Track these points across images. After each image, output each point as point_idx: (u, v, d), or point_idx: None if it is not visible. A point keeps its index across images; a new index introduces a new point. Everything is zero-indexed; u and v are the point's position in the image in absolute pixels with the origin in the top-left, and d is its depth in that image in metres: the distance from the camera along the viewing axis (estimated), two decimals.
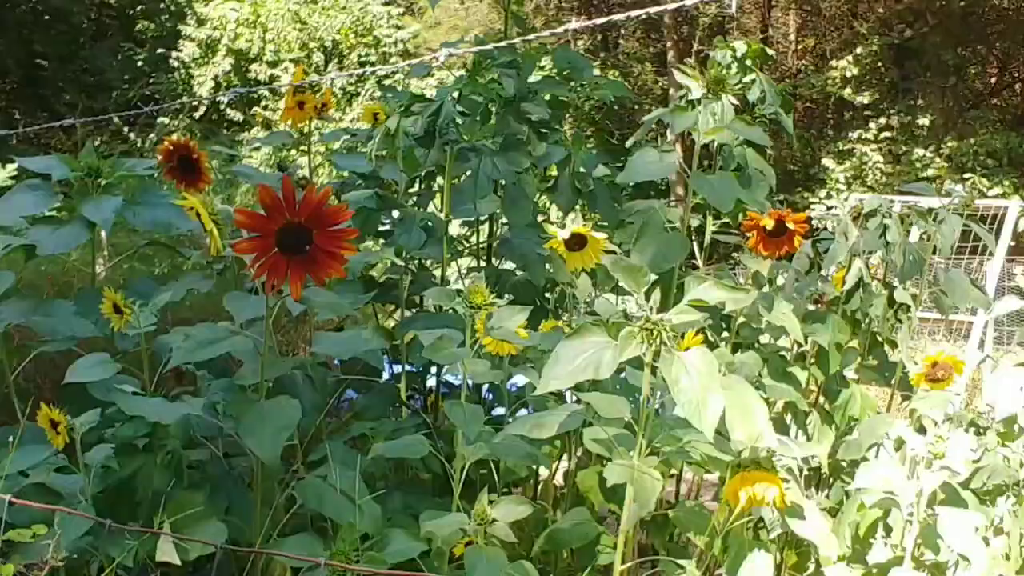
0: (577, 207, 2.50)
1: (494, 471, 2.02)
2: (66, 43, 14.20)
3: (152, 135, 12.81)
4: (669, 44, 15.58)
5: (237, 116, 13.61)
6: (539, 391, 1.37)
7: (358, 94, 14.32)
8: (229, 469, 1.88)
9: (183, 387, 2.26)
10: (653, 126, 2.73)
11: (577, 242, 2.22)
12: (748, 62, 2.84)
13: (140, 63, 14.35)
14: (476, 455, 1.73)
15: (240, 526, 1.70)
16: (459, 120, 2.00)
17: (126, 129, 12.46)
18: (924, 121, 12.78)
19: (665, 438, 1.62)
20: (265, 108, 13.61)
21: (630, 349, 1.35)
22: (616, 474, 1.46)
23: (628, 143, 2.77)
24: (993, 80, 18.53)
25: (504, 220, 2.60)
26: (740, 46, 2.79)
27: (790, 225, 2.05)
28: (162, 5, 14.33)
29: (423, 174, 2.77)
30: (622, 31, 15.88)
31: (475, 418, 1.64)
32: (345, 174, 2.93)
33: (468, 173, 2.33)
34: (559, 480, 2.55)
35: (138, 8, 14.90)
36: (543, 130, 2.21)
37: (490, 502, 1.59)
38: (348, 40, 14.43)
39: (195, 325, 2.30)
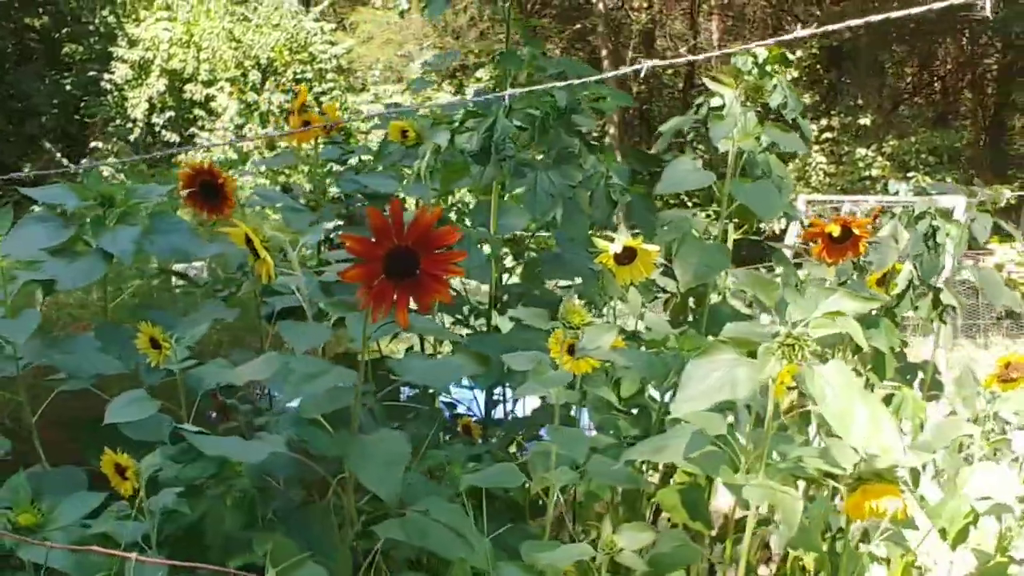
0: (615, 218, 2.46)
1: (563, 496, 1.96)
2: None
3: (85, 160, 12.49)
4: (604, 52, 15.68)
5: (174, 138, 13.34)
6: (674, 415, 1.32)
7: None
8: (304, 507, 1.78)
9: (227, 423, 2.16)
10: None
11: (627, 256, 2.17)
12: (768, 68, 2.83)
13: (68, 87, 13.99)
14: (564, 480, 1.67)
15: (327, 568, 1.60)
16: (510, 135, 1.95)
17: (59, 155, 12.13)
18: (865, 121, 13.05)
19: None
20: (202, 129, 13.37)
21: (770, 366, 1.30)
22: (756, 494, 1.40)
23: (652, 151, 2.73)
24: (913, 79, 19.08)
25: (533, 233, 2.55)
26: (761, 52, 2.77)
27: (855, 231, 2.02)
28: (91, 27, 13.99)
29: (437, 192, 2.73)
30: (555, 39, 15.94)
31: (578, 441, 1.57)
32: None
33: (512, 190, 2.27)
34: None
35: (64, 31, 14.54)
36: (593, 143, 2.16)
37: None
38: (283, 57, 14.26)
39: (219, 355, 2.21)
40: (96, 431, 2.40)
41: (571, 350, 1.82)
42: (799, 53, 14.03)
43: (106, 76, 13.27)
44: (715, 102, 2.70)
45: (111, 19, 13.68)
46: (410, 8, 12.59)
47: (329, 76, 14.37)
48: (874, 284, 2.51)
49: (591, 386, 1.87)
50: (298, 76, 14.37)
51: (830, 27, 1.58)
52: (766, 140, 2.54)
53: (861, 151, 12.90)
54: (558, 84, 1.96)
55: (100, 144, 13.47)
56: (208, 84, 13.34)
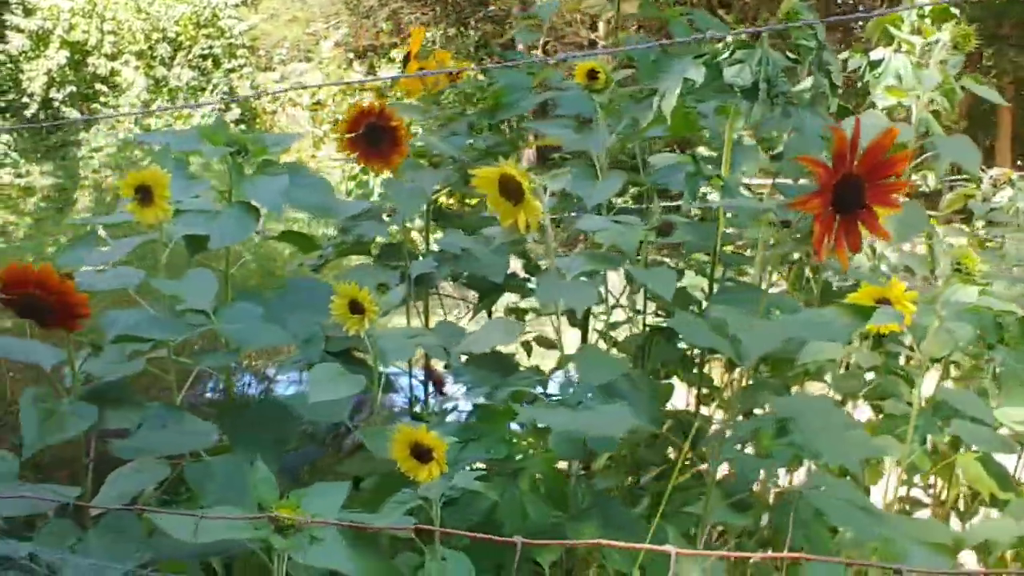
0: None
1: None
2: None
3: None
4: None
5: (73, 113, 12.49)
6: None
7: (203, 88, 13.46)
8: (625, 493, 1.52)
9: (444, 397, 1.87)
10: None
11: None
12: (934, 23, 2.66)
13: None
14: None
15: None
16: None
17: None
18: None
19: None
20: (105, 105, 12.56)
21: None
22: None
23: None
24: None
25: None
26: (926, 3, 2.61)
27: None
28: None
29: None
30: (472, 22, 15.64)
31: None
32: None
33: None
34: None
35: None
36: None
37: None
38: (187, 31, 13.53)
39: None
40: (242, 414, 2.09)
41: None
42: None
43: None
44: (876, 55, 2.53)
45: None
46: None
47: (240, 52, 13.74)
48: None
49: None
50: (204, 51, 13.70)
51: None
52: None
53: None
54: (809, 21, 1.75)
55: None
56: (113, 58, 12.55)
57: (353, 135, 2.05)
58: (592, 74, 2.16)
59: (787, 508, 1.43)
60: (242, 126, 13.59)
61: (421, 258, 2.30)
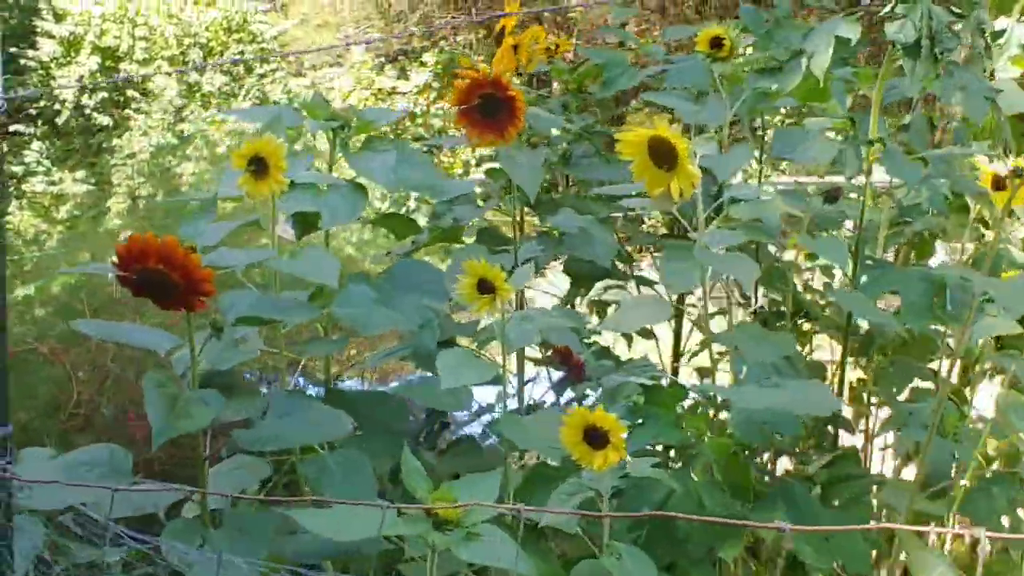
0: None
1: None
2: None
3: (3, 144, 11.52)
4: None
5: (105, 120, 12.40)
6: None
7: (235, 95, 13.37)
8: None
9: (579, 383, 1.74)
10: None
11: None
12: None
13: None
14: None
15: None
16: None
17: None
18: None
19: None
20: (138, 111, 12.50)
21: None
22: None
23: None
24: None
25: None
26: None
27: None
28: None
29: None
30: None
31: None
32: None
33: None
34: None
35: None
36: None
37: None
38: (218, 36, 13.43)
39: None
40: (353, 406, 1.96)
41: None
42: None
43: (30, 53, 12.26)
44: (1000, 25, 2.39)
45: None
46: None
47: (276, 57, 13.63)
48: None
49: None
50: (237, 56, 13.59)
51: None
52: None
53: None
54: None
55: (21, 128, 12.49)
56: (145, 63, 12.46)
57: (465, 107, 1.92)
58: (716, 42, 2.03)
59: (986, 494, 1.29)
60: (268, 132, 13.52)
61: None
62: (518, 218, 2.28)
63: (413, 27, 15.75)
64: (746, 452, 1.44)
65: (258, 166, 1.58)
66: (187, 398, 1.34)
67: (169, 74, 12.49)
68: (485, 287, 1.60)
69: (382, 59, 15.54)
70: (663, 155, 1.49)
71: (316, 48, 14.91)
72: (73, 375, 3.40)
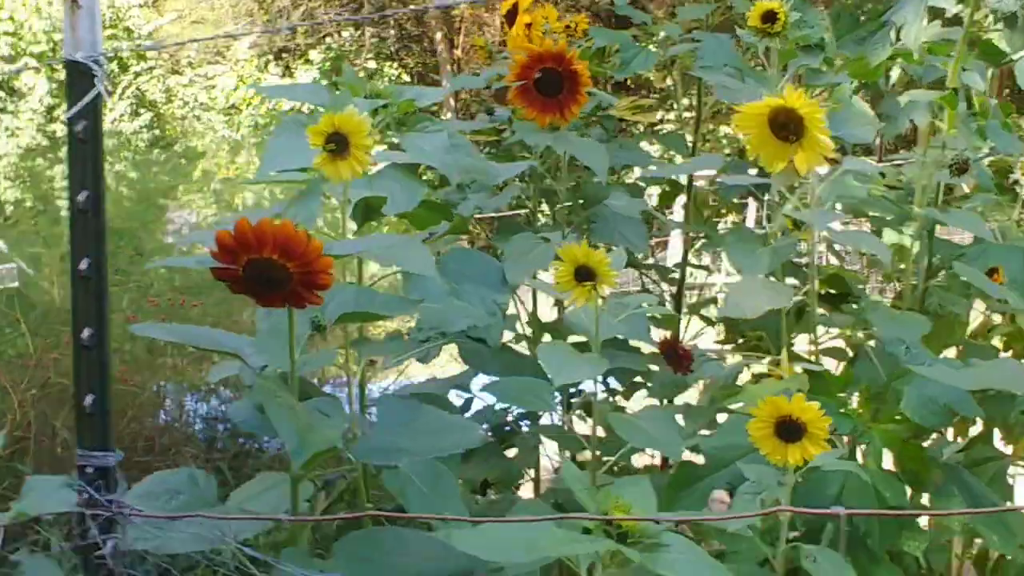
0: None
1: None
2: None
3: None
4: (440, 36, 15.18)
5: None
6: None
7: (111, 92, 12.76)
8: None
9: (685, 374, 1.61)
10: None
11: None
12: None
13: None
14: None
15: None
16: None
17: None
18: None
19: None
20: (3, 111, 11.78)
21: None
22: None
23: None
24: None
25: None
26: None
27: None
28: None
29: None
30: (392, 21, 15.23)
31: None
32: None
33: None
34: None
35: None
36: None
37: None
38: None
39: None
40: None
41: None
42: None
43: None
44: None
45: None
46: None
47: (149, 55, 13.07)
48: None
49: None
50: (112, 52, 12.97)
51: None
52: None
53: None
54: None
55: None
56: (10, 60, 11.75)
57: (523, 83, 1.78)
58: (769, 16, 1.94)
59: None
60: (155, 131, 12.94)
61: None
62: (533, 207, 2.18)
63: (296, 23, 15.33)
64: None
65: (339, 143, 1.40)
66: (306, 412, 1.16)
67: (36, 70, 11.84)
68: (584, 274, 1.47)
69: (267, 57, 15.12)
70: (788, 126, 1.39)
71: (197, 39, 14.41)
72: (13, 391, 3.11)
